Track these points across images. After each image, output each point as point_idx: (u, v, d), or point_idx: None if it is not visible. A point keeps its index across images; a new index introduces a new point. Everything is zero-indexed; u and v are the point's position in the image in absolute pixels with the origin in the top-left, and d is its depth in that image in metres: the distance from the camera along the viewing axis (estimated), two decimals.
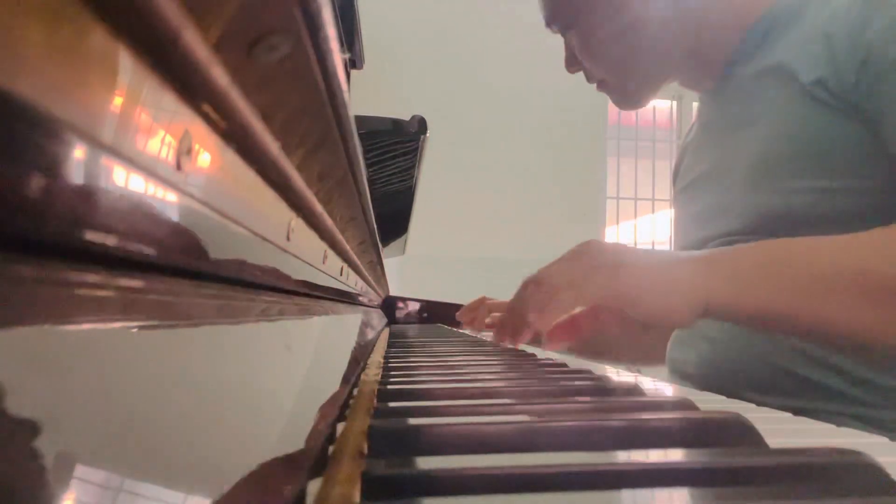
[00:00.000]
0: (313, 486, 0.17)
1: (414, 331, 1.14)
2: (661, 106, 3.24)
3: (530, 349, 0.74)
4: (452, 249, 2.90)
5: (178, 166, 0.14)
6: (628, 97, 0.77)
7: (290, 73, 0.17)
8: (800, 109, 0.61)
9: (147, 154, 0.12)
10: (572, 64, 0.78)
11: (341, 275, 0.51)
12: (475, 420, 0.23)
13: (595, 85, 0.79)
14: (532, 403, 0.28)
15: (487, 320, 1.02)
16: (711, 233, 0.71)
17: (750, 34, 0.69)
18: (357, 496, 0.16)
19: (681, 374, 0.74)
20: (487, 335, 1.11)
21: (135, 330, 0.13)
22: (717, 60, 0.72)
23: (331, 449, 0.20)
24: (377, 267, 0.87)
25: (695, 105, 3.62)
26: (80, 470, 0.09)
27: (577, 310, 0.55)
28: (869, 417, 0.57)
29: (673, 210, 0.89)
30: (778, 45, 0.66)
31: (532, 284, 0.55)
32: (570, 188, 3.02)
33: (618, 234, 3.17)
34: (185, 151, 0.14)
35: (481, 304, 1.11)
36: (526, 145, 2.99)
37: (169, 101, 0.13)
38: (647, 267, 0.52)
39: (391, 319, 1.41)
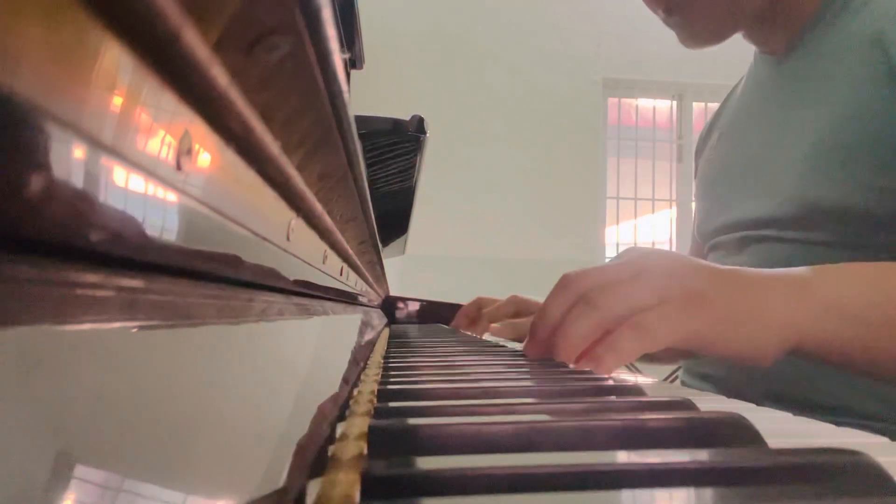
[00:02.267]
0: (313, 486, 0.17)
1: (414, 331, 1.14)
2: (661, 106, 3.25)
3: None
4: (452, 249, 2.90)
5: (178, 166, 0.14)
6: (698, 31, 0.68)
7: (290, 73, 0.17)
8: (883, 92, 0.55)
9: (147, 154, 0.12)
10: None
11: (341, 275, 0.51)
12: (475, 420, 0.23)
13: (662, 17, 0.69)
14: (532, 403, 0.28)
15: (495, 325, 0.99)
16: (752, 215, 0.65)
17: None
18: (357, 496, 0.16)
19: (699, 376, 0.70)
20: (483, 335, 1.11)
21: (135, 330, 0.13)
22: (793, 21, 0.66)
23: (331, 449, 0.20)
24: (377, 267, 0.87)
25: (695, 105, 3.59)
26: (80, 470, 0.09)
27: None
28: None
29: (700, 171, 0.80)
30: (863, 14, 0.60)
31: (583, 305, 0.44)
32: (570, 188, 3.02)
33: (618, 234, 3.17)
34: (185, 151, 0.14)
35: (478, 309, 1.09)
36: (526, 145, 3.00)
37: (169, 101, 0.13)
38: (732, 298, 0.43)
39: (391, 319, 1.41)
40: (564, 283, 0.48)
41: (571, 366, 0.44)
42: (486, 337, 1.02)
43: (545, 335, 0.47)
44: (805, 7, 0.65)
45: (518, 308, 1.00)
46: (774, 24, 0.68)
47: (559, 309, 0.46)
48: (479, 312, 1.09)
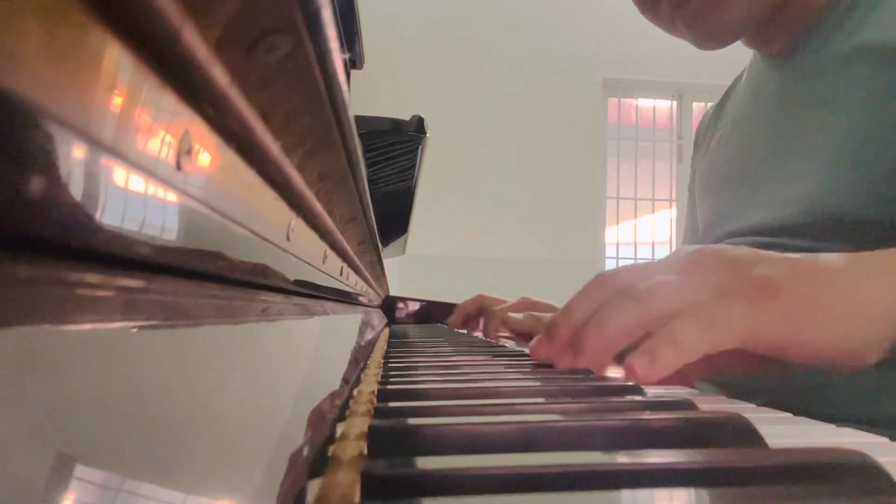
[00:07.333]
0: (313, 486, 0.17)
1: (414, 331, 1.13)
2: (661, 106, 3.25)
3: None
4: (452, 249, 2.90)
5: (178, 166, 0.14)
6: (708, 28, 0.64)
7: (290, 73, 0.17)
8: None
9: (147, 154, 0.12)
10: None
11: (341, 275, 0.51)
12: (475, 420, 0.23)
13: (670, 8, 0.64)
14: (532, 403, 0.28)
15: (514, 315, 0.90)
16: (764, 222, 0.62)
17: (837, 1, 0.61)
18: (357, 496, 0.16)
19: (711, 380, 0.67)
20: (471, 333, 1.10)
21: (135, 330, 0.13)
22: (795, 22, 0.64)
23: (331, 449, 0.20)
24: (377, 267, 0.87)
25: (695, 105, 3.58)
26: (80, 470, 0.09)
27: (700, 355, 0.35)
28: None
29: (702, 172, 0.78)
30: (871, 19, 0.58)
31: (622, 298, 0.36)
32: (570, 188, 3.02)
33: (618, 234, 3.17)
34: (185, 151, 0.14)
35: (478, 308, 1.02)
36: (526, 145, 3.00)
37: (169, 101, 0.13)
38: (813, 286, 0.35)
39: (391, 319, 1.41)
40: (599, 279, 0.40)
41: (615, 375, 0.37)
42: (479, 335, 1.01)
43: (567, 332, 0.39)
44: (807, 7, 0.63)
45: (531, 308, 0.93)
46: (776, 25, 0.66)
47: (591, 305, 0.38)
48: (479, 311, 1.05)
